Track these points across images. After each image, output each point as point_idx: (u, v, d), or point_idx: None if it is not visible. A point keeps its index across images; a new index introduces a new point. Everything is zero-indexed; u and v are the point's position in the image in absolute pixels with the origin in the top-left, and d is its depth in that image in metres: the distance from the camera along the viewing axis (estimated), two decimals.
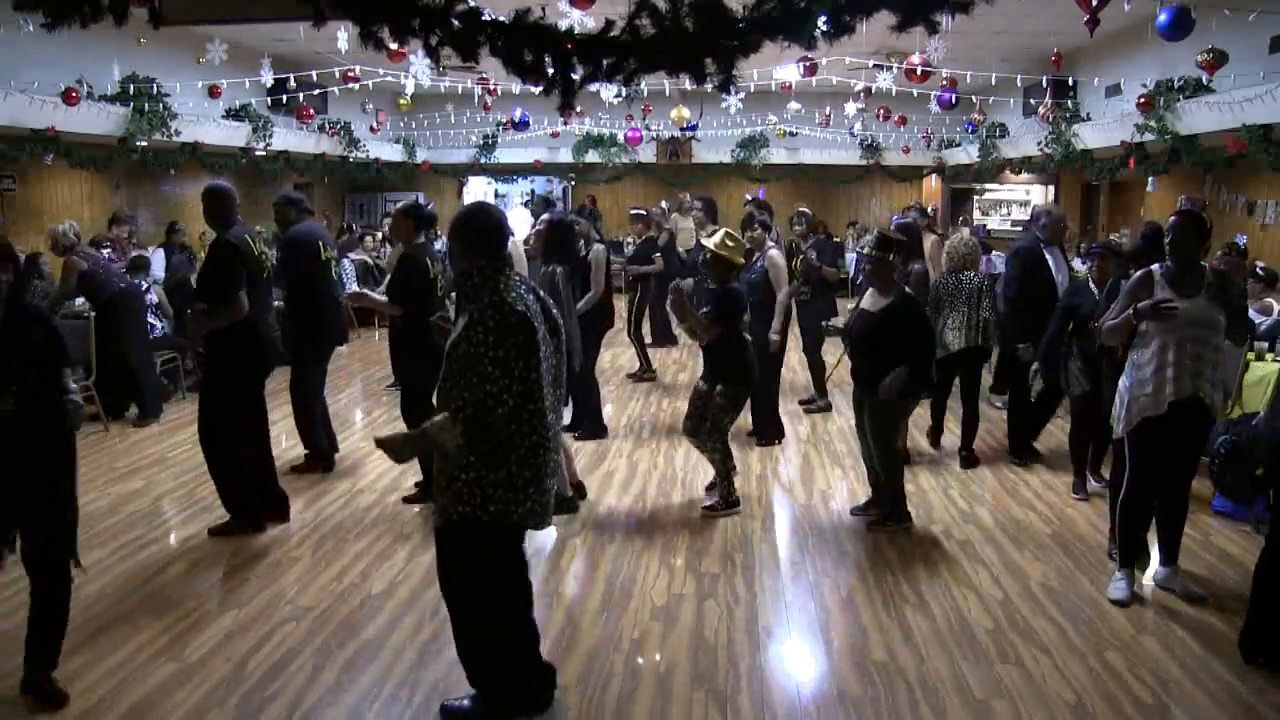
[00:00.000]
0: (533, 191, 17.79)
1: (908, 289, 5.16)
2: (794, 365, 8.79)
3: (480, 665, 3.23)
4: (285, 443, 6.81)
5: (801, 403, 7.94)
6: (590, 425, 6.86)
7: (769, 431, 6.80)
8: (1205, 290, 4.03)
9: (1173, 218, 4.18)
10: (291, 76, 11.20)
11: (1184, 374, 4.01)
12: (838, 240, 16.44)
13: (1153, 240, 4.88)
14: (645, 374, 9.14)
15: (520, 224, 7.72)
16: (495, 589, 3.16)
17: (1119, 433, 4.30)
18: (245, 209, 13.65)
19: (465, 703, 3.30)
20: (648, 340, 9.63)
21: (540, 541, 4.95)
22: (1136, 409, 4.12)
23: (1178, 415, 4.04)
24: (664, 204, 10.55)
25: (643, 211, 9.54)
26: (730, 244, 5.27)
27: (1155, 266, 4.19)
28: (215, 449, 4.95)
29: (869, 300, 5.09)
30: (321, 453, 6.29)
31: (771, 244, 6.88)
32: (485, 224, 3.03)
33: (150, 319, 7.96)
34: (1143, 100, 9.38)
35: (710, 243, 5.32)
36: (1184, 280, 4.07)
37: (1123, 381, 4.24)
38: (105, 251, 9.41)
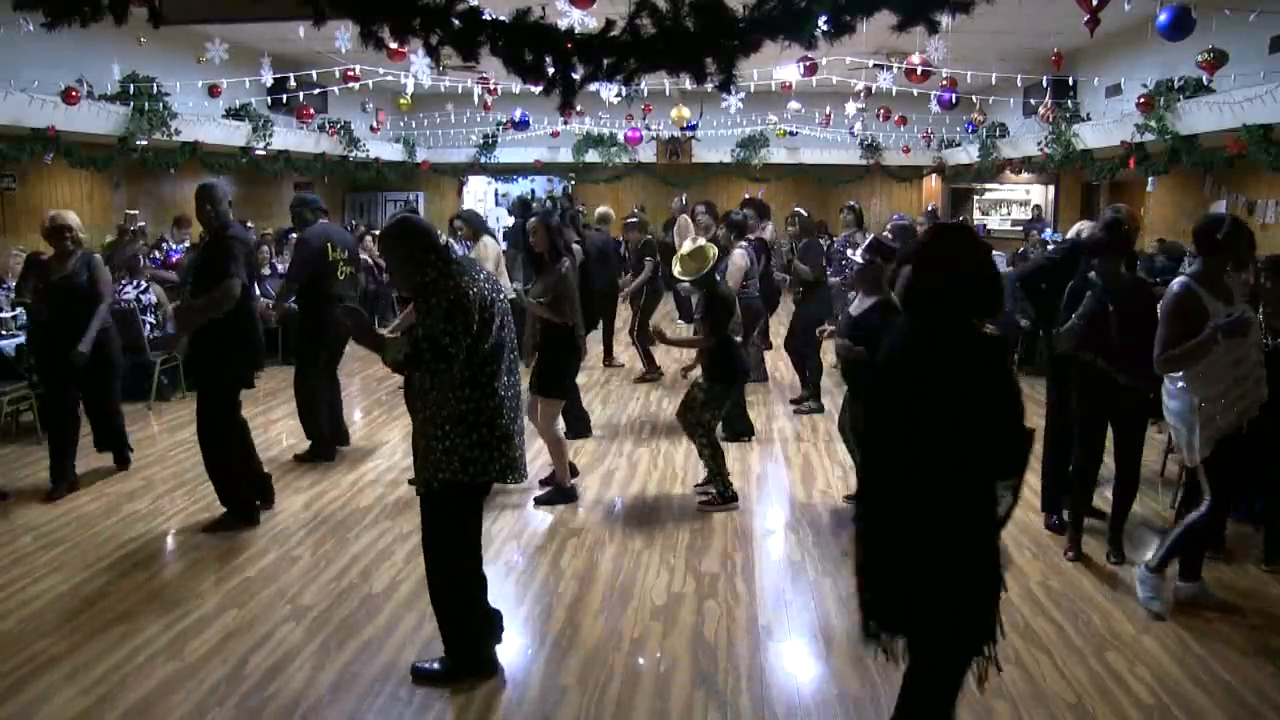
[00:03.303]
0: (532, 192, 17.81)
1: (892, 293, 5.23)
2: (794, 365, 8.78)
3: (455, 628, 3.51)
4: (286, 441, 6.82)
5: (792, 401, 7.95)
6: (577, 424, 6.85)
7: (735, 426, 6.79)
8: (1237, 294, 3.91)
9: (1228, 222, 3.85)
10: (291, 76, 11.19)
11: (1258, 384, 3.86)
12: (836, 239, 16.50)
13: (1115, 231, 4.71)
14: (649, 374, 9.15)
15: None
16: (467, 547, 3.50)
17: (1191, 461, 3.96)
18: (245, 208, 13.75)
19: (435, 665, 3.54)
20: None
21: (540, 541, 4.96)
22: (1214, 430, 3.83)
23: (1252, 425, 3.86)
24: (638, 208, 10.33)
25: (634, 219, 9.53)
26: (690, 260, 5.41)
27: (1186, 279, 3.87)
28: (213, 446, 5.00)
29: (856, 303, 5.16)
30: (323, 443, 6.40)
31: (744, 244, 6.96)
32: (419, 230, 3.37)
33: (148, 319, 7.97)
34: (1143, 100, 9.39)
35: (677, 272, 5.52)
36: (1221, 287, 3.86)
37: (1184, 404, 3.91)
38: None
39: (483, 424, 3.32)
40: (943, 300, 2.51)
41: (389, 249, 3.39)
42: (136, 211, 10.27)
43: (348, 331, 3.43)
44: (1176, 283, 3.91)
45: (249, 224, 10.61)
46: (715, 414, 5.38)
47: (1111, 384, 4.40)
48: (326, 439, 6.43)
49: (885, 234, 6.06)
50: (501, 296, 3.49)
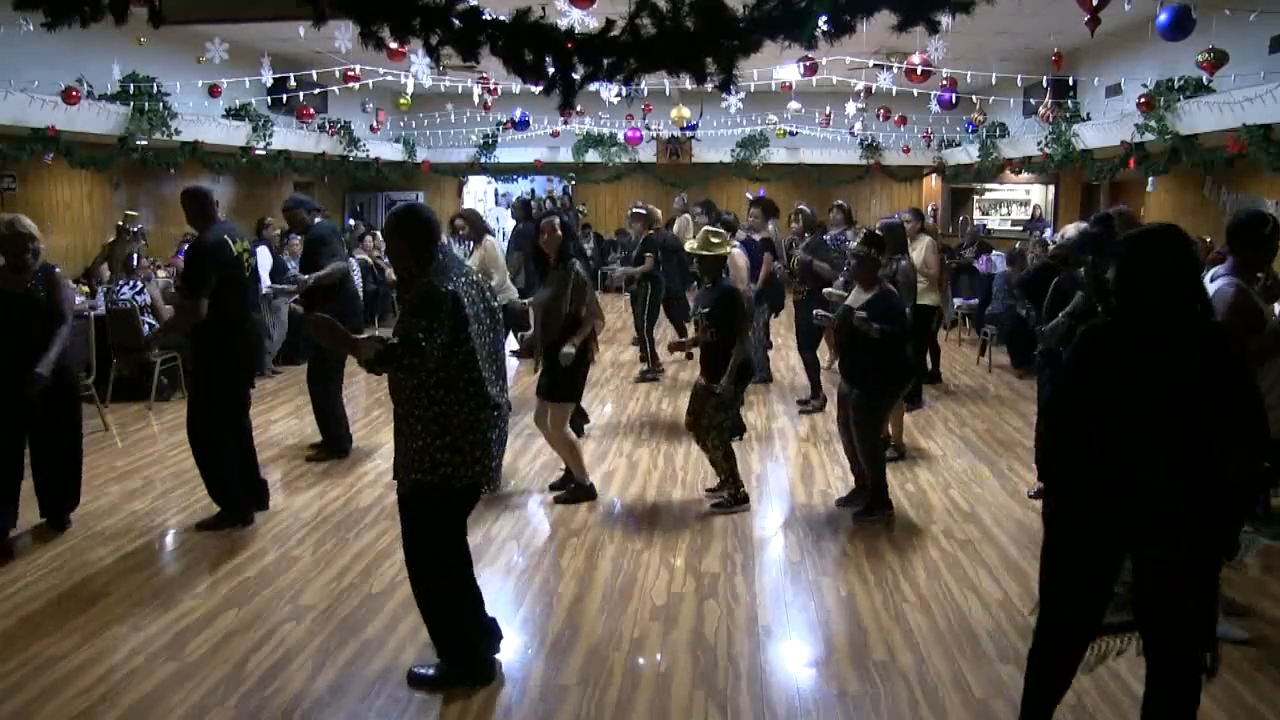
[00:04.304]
0: (532, 192, 17.81)
1: (890, 284, 5.30)
2: (793, 365, 8.79)
3: (442, 633, 3.49)
4: (287, 441, 6.82)
5: (800, 402, 7.94)
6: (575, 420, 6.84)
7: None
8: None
9: (1272, 220, 3.72)
10: (291, 76, 11.19)
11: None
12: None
13: (1107, 226, 4.65)
14: (651, 372, 9.11)
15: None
16: (448, 552, 3.46)
17: None
18: (246, 208, 13.75)
19: (430, 671, 3.51)
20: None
21: (540, 541, 4.96)
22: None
23: None
24: (639, 208, 10.10)
25: (643, 210, 9.42)
26: (713, 240, 5.36)
27: (1235, 279, 3.69)
28: (203, 445, 5.01)
29: (853, 297, 5.19)
30: (335, 442, 6.43)
31: (735, 243, 7.00)
32: (419, 223, 3.36)
33: (147, 319, 7.97)
34: (1143, 100, 9.38)
35: (691, 247, 5.51)
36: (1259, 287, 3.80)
37: None
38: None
39: (455, 428, 3.25)
40: (1152, 302, 2.64)
41: (388, 234, 3.43)
42: (138, 213, 10.27)
43: (332, 339, 3.33)
44: (1228, 283, 3.70)
45: (269, 220, 10.58)
46: (727, 416, 5.31)
47: None
48: (337, 437, 6.46)
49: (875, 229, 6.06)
50: (489, 300, 3.44)
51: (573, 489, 5.54)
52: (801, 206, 8.01)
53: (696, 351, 5.60)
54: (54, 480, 5.02)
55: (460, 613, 3.51)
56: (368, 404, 8.10)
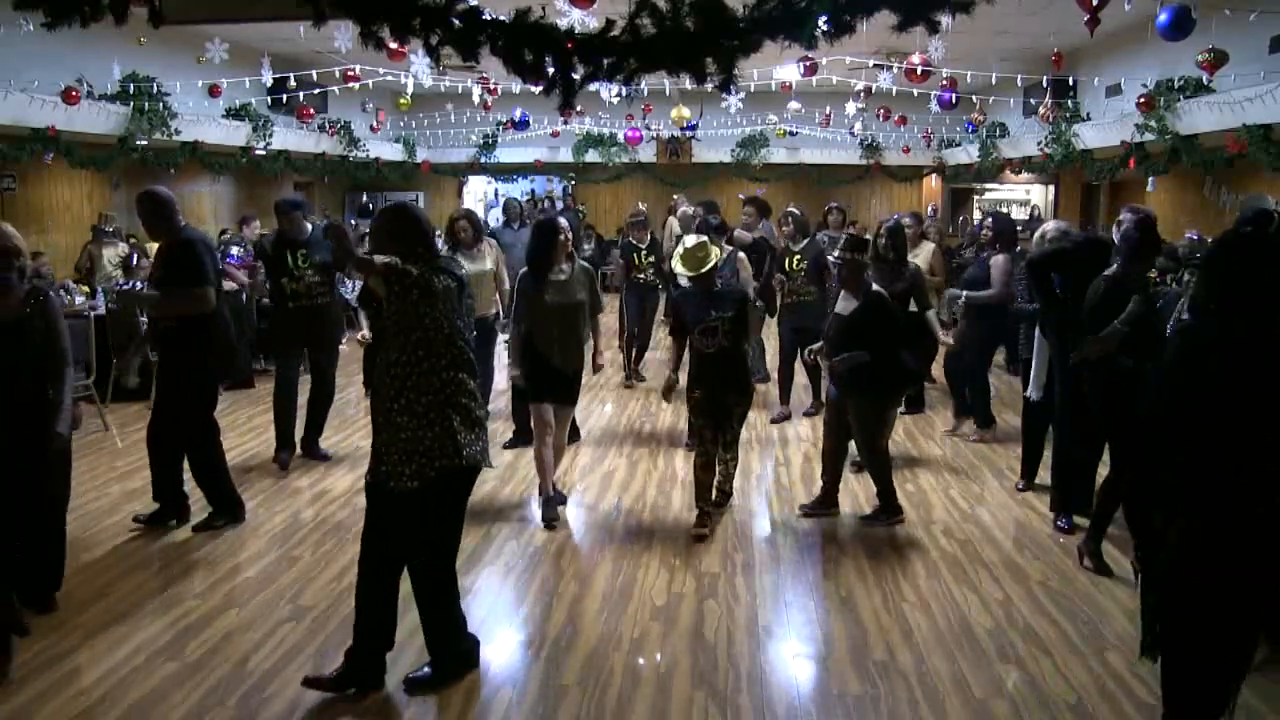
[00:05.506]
0: (532, 192, 17.80)
1: (878, 288, 5.06)
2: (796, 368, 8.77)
3: (446, 626, 3.51)
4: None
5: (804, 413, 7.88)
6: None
7: None
8: None
9: (1266, 218, 3.68)
10: (291, 76, 11.19)
11: None
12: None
13: (1148, 232, 4.66)
14: (634, 377, 9.02)
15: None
16: (457, 533, 3.52)
17: None
18: (246, 208, 13.70)
19: (426, 670, 3.51)
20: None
21: (540, 541, 4.96)
22: None
23: None
24: (641, 218, 9.80)
25: (644, 218, 9.26)
26: (699, 254, 5.07)
27: None
28: (191, 449, 5.02)
29: (841, 304, 5.06)
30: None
31: (728, 248, 7.00)
32: (408, 221, 3.39)
33: (144, 318, 7.97)
34: (1143, 100, 9.38)
35: (679, 269, 5.14)
36: None
37: None
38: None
39: (462, 406, 3.34)
40: (1246, 305, 2.56)
41: (384, 228, 3.38)
42: (114, 214, 10.33)
43: (346, 250, 3.34)
44: None
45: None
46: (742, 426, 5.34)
47: (1132, 386, 4.33)
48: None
49: (879, 237, 5.85)
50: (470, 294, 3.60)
51: (553, 501, 5.35)
52: (791, 209, 7.78)
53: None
54: (31, 554, 3.99)
55: (456, 595, 3.58)
56: (368, 405, 8.07)
